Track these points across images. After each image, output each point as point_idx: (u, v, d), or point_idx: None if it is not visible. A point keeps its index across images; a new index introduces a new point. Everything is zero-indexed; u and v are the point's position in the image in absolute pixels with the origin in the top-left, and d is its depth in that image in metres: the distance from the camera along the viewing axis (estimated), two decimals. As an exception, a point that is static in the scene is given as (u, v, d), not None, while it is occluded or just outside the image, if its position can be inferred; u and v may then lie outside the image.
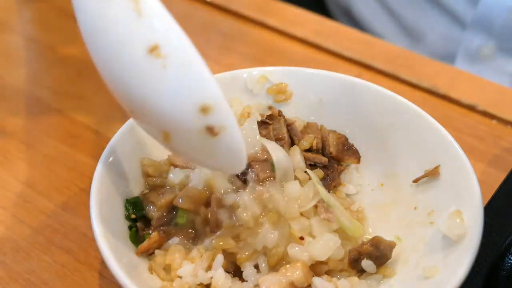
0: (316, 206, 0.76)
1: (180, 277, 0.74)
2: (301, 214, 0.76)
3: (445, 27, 1.38)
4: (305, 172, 0.80)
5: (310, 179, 0.79)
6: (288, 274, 0.72)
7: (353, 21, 1.53)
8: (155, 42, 0.62)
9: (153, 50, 0.62)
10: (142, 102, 0.64)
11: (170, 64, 0.62)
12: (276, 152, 0.77)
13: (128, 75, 0.64)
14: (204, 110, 0.63)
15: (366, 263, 0.75)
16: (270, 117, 0.85)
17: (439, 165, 0.80)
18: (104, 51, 0.65)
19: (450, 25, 1.37)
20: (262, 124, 0.84)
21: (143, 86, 0.63)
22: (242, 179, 0.77)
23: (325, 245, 0.73)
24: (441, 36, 1.40)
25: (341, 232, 0.77)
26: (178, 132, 0.66)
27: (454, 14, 1.35)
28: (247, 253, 0.74)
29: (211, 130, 0.64)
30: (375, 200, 0.85)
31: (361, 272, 0.76)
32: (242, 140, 0.68)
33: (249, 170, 0.76)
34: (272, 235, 0.74)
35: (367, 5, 1.48)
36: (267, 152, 0.77)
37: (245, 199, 0.74)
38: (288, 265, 0.73)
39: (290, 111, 0.90)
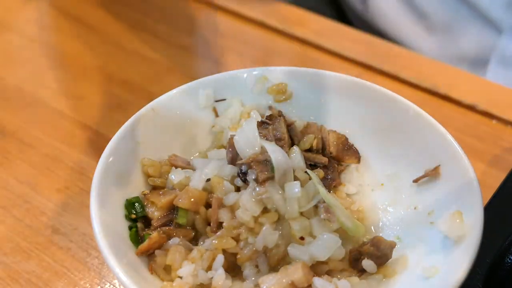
0: (316, 206, 0.76)
1: (180, 277, 0.74)
2: (301, 214, 0.76)
3: (479, 31, 1.33)
4: (305, 172, 0.80)
5: (310, 179, 0.79)
6: (288, 274, 0.72)
7: (374, 28, 1.47)
8: None
9: None
10: None
11: None
12: (276, 152, 0.77)
13: None
14: None
15: (367, 263, 0.75)
16: (270, 117, 0.85)
17: (439, 165, 0.80)
18: None
19: (484, 29, 1.33)
20: (262, 124, 0.84)
21: None
22: (242, 179, 0.77)
23: (325, 245, 0.73)
24: (474, 40, 1.35)
25: (341, 232, 0.77)
26: None
27: (490, 18, 1.31)
28: (247, 253, 0.74)
29: None
30: (375, 200, 0.85)
31: (361, 272, 0.76)
32: None
33: (249, 170, 0.76)
34: (272, 235, 0.74)
35: (393, 7, 1.42)
36: (267, 152, 0.77)
37: (245, 199, 0.74)
38: (288, 265, 0.73)
39: (290, 111, 0.90)
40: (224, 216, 0.76)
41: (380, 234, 0.79)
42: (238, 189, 0.77)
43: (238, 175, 0.77)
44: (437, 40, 1.39)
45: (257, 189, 0.75)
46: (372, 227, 0.83)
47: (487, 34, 1.33)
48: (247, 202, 0.74)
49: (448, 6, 1.35)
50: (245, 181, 0.76)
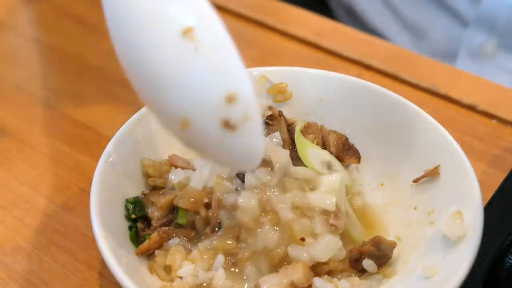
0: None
1: (181, 278, 0.74)
2: (302, 214, 0.76)
3: (447, 25, 1.38)
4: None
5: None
6: (288, 274, 0.72)
7: (355, 18, 1.52)
8: (189, 25, 0.61)
9: (187, 32, 0.61)
10: (169, 84, 0.63)
11: (202, 48, 0.61)
12: (276, 152, 0.77)
13: (158, 57, 0.62)
14: (230, 99, 0.62)
15: (367, 263, 0.75)
16: (271, 117, 0.85)
17: (439, 165, 0.80)
18: (133, 30, 0.63)
19: (452, 23, 1.37)
20: (263, 124, 0.84)
21: (173, 67, 0.62)
22: (242, 179, 0.77)
23: (326, 247, 0.73)
24: (443, 33, 1.40)
25: (342, 232, 0.77)
26: (199, 119, 0.63)
27: (456, 12, 1.35)
28: (247, 253, 0.74)
29: (229, 124, 0.62)
30: (375, 200, 0.85)
31: (361, 272, 0.76)
32: (262, 135, 0.66)
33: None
34: (272, 236, 0.74)
35: (369, 2, 1.48)
36: (267, 152, 0.77)
37: (245, 199, 0.74)
38: (288, 266, 0.73)
39: (290, 111, 0.90)
40: (224, 216, 0.76)
41: (380, 234, 0.79)
42: (238, 190, 0.77)
43: (237, 175, 0.77)
44: (410, 34, 1.44)
45: (257, 189, 0.75)
46: (372, 227, 0.83)
47: (455, 28, 1.37)
48: (246, 203, 0.74)
49: (417, 1, 1.39)
50: (243, 180, 0.76)
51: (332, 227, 0.75)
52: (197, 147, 0.69)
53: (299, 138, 0.81)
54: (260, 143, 0.67)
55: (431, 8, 1.39)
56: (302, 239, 0.74)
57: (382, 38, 1.39)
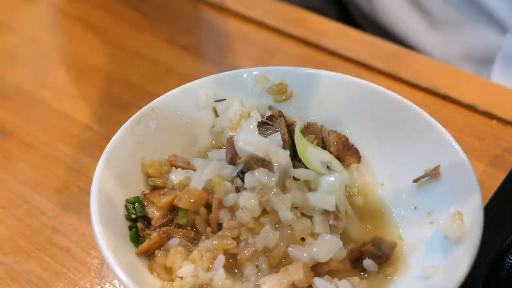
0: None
1: (181, 278, 0.74)
2: (303, 214, 0.76)
3: (485, 30, 1.33)
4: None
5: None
6: (289, 274, 0.72)
7: (377, 25, 1.46)
8: None
9: None
10: None
11: None
12: (276, 153, 0.77)
13: None
14: None
15: (368, 263, 0.75)
16: (271, 117, 0.85)
17: (439, 165, 0.80)
18: None
19: (490, 28, 1.32)
20: (263, 124, 0.84)
21: None
22: (242, 179, 0.77)
23: (326, 247, 0.73)
24: (480, 39, 1.34)
25: (342, 232, 0.77)
26: None
27: (494, 16, 1.30)
28: (247, 253, 0.74)
29: None
30: (375, 200, 0.85)
31: (362, 271, 0.76)
32: None
33: (249, 170, 0.76)
34: (272, 236, 0.74)
35: (395, 4, 1.41)
36: (267, 152, 0.77)
37: (245, 199, 0.74)
38: (289, 266, 0.73)
39: (290, 111, 0.90)
40: (224, 216, 0.76)
41: (380, 234, 0.79)
42: (238, 190, 0.77)
43: (238, 175, 0.77)
44: (441, 38, 1.39)
45: (257, 189, 0.75)
46: (372, 227, 0.83)
47: (492, 33, 1.32)
48: (246, 203, 0.74)
49: (452, 4, 1.35)
50: (243, 181, 0.76)
51: (332, 227, 0.75)
52: None
53: (299, 138, 0.81)
54: None
55: (467, 11, 1.33)
56: (302, 239, 0.74)
57: (409, 46, 1.34)
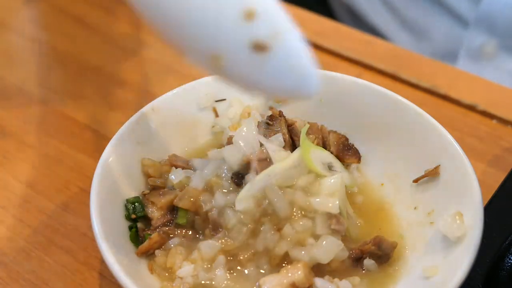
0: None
1: (181, 278, 0.74)
2: (303, 215, 0.76)
3: (448, 26, 1.38)
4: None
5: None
6: (289, 274, 0.72)
7: (355, 18, 1.52)
8: None
9: None
10: (190, 21, 0.57)
11: None
12: (277, 153, 0.77)
13: None
14: (249, 15, 0.55)
15: (369, 262, 0.75)
16: (271, 117, 0.85)
17: (439, 165, 0.80)
18: None
19: (452, 23, 1.37)
20: (263, 124, 0.84)
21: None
22: (242, 179, 0.77)
23: (327, 249, 0.73)
24: (444, 34, 1.40)
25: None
26: (227, 51, 0.57)
27: (456, 12, 1.35)
28: (248, 253, 0.74)
29: (259, 44, 0.56)
30: (375, 200, 0.85)
31: (362, 271, 0.76)
32: (305, 47, 0.59)
33: (249, 170, 0.76)
34: (273, 236, 0.74)
35: (369, 2, 1.48)
36: (267, 152, 0.77)
37: (245, 199, 0.74)
38: (289, 266, 0.73)
39: (290, 111, 0.90)
40: (224, 216, 0.76)
41: (381, 234, 0.79)
42: (238, 189, 0.77)
43: (236, 175, 0.77)
44: (411, 34, 1.44)
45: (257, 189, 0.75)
46: (372, 227, 0.83)
47: (455, 28, 1.37)
48: (246, 203, 0.74)
49: (416, 1, 1.39)
50: (239, 184, 0.76)
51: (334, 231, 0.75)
52: (240, 81, 0.62)
53: (304, 141, 0.80)
54: (305, 60, 0.60)
55: (431, 8, 1.39)
56: (303, 240, 0.74)
57: (383, 38, 1.39)
